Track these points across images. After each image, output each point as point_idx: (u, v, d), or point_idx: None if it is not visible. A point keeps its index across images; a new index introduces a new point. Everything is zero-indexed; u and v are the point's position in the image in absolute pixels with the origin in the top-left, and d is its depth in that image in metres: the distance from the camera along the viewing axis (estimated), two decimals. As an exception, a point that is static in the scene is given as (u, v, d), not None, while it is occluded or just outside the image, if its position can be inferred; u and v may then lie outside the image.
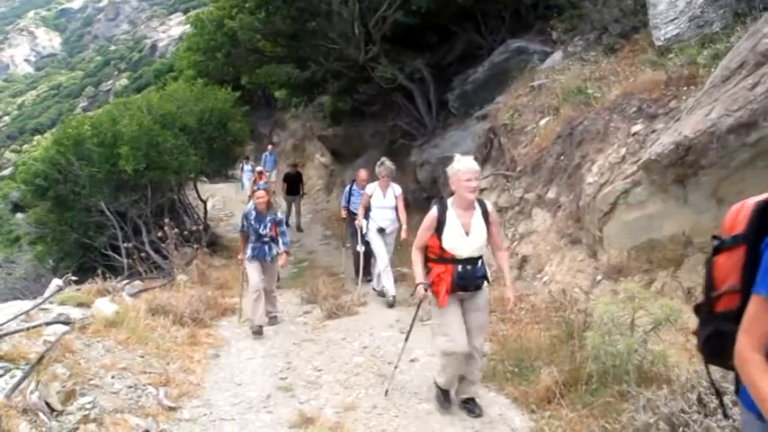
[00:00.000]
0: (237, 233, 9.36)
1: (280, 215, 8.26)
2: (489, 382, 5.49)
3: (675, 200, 5.55)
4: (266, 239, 7.97)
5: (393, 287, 8.75)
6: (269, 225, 7.96)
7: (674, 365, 4.43)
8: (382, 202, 8.96)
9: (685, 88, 6.41)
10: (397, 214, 8.96)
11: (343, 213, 10.72)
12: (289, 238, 8.56)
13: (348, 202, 10.54)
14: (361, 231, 9.46)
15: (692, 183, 5.32)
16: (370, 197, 9.03)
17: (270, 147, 21.29)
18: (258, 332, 7.66)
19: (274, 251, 8.08)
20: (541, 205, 7.95)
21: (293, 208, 17.10)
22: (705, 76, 6.06)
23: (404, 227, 8.76)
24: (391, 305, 8.53)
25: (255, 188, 8.35)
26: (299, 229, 17.00)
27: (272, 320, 8.25)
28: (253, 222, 7.90)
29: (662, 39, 7.51)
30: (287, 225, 16.43)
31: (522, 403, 5.01)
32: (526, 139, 8.84)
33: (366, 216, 9.16)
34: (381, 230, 9.00)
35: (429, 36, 13.70)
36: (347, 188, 10.72)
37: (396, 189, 9.04)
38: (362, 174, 10.45)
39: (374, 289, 9.39)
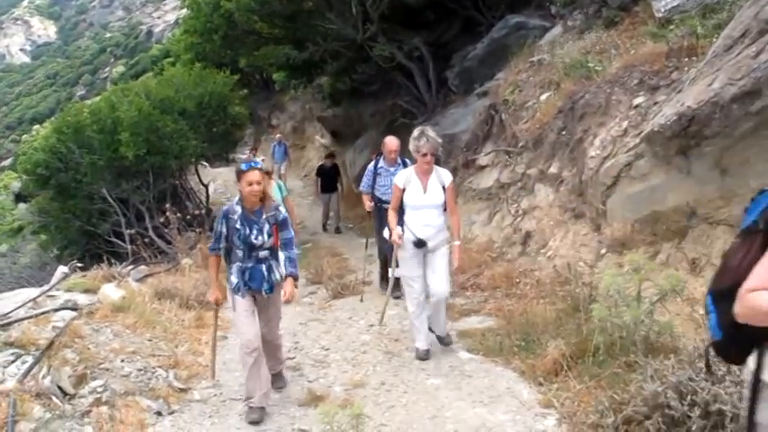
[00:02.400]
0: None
1: (283, 212, 5.03)
2: (496, 356, 5.53)
3: (678, 171, 5.55)
4: (263, 255, 4.92)
5: (443, 330, 5.96)
6: (267, 229, 4.86)
7: (681, 335, 4.46)
8: (422, 198, 5.60)
9: (687, 59, 6.37)
10: (446, 218, 5.76)
11: (368, 203, 8.06)
12: (297, 250, 5.24)
13: (373, 186, 7.90)
14: (390, 248, 6.29)
15: (695, 153, 5.31)
16: (403, 191, 5.65)
17: (278, 136, 19.38)
18: (258, 419, 4.84)
19: (276, 275, 4.98)
20: (544, 180, 7.94)
21: (330, 208, 14.87)
22: (706, 47, 6.02)
23: (456, 242, 5.69)
24: (423, 358, 5.76)
25: (243, 166, 4.89)
26: (337, 231, 14.61)
27: (279, 382, 5.46)
28: (239, 227, 4.79)
29: (662, 10, 7.46)
30: (323, 229, 15.07)
31: (530, 376, 5.05)
32: (527, 114, 8.81)
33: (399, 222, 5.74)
34: (421, 244, 5.57)
35: (427, 13, 13.59)
36: (370, 166, 7.97)
37: (444, 176, 5.65)
38: (392, 143, 7.67)
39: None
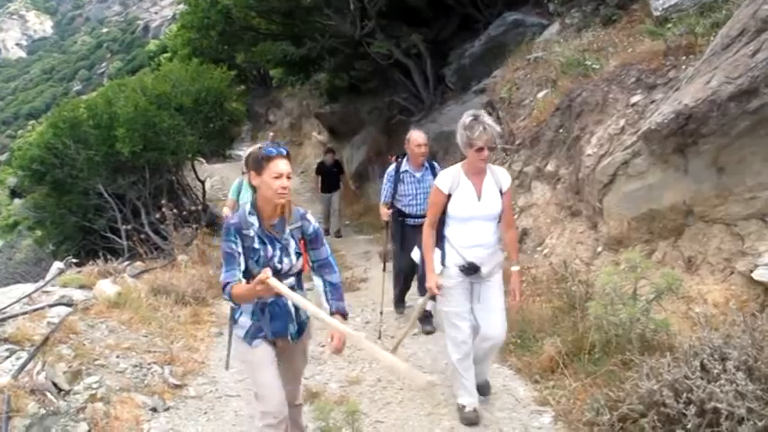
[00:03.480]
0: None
1: (312, 221, 3.58)
2: (492, 354, 5.53)
3: (675, 169, 5.54)
4: (288, 285, 3.40)
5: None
6: (294, 247, 3.49)
7: (677, 333, 4.46)
8: (475, 207, 4.27)
9: (684, 58, 6.37)
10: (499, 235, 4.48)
11: (385, 213, 6.64)
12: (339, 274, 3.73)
13: (393, 194, 6.53)
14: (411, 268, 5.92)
15: (692, 152, 5.31)
16: (448, 197, 4.28)
17: (271, 135, 18.12)
18: None
19: (305, 316, 3.65)
20: (541, 178, 7.94)
21: (330, 209, 13.65)
22: (704, 45, 6.02)
23: (515, 267, 4.52)
24: (472, 422, 4.48)
25: (269, 150, 3.33)
26: (337, 234, 13.40)
27: None
28: (257, 246, 3.39)
29: (660, 8, 7.46)
30: (325, 233, 15.02)
31: (526, 374, 5.06)
32: (524, 112, 8.81)
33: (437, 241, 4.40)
34: (472, 270, 4.30)
35: (425, 11, 13.58)
36: (390, 171, 6.58)
37: (502, 177, 4.37)
38: (419, 137, 6.38)
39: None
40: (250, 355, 3.51)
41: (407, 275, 6.78)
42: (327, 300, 3.50)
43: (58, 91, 77.54)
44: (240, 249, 3.30)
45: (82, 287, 7.31)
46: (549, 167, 7.75)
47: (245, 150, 7.96)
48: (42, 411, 4.27)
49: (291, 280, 3.47)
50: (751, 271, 4.64)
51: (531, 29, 10.92)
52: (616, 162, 6.23)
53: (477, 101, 10.63)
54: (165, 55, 31.93)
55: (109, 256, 9.63)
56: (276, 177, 3.25)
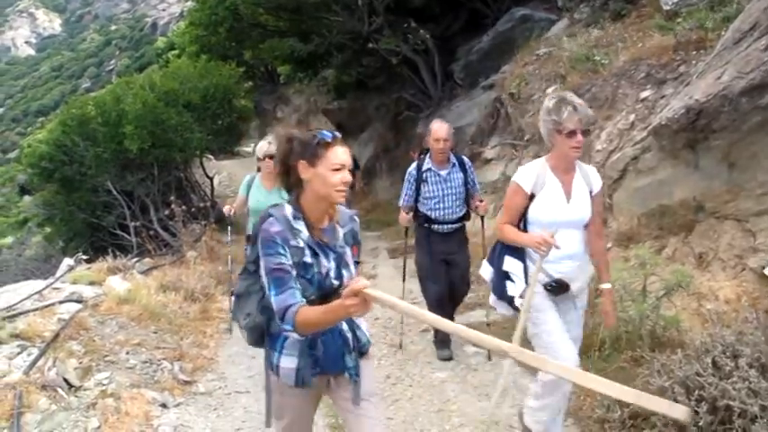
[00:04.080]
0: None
1: (359, 222, 2.85)
2: (502, 350, 5.51)
3: (686, 165, 5.51)
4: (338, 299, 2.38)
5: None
6: (350, 256, 2.73)
7: (688, 330, 4.44)
8: (565, 210, 3.49)
9: (694, 52, 6.34)
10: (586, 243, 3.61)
11: (404, 219, 5.64)
12: None
13: (416, 197, 5.55)
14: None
15: (702, 147, 5.28)
16: (530, 198, 3.50)
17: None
18: None
19: (364, 337, 2.81)
20: (550, 174, 7.91)
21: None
22: (714, 40, 5.99)
23: (606, 285, 3.65)
24: None
25: (326, 135, 2.55)
26: None
27: None
28: (309, 260, 2.55)
29: (670, 3, 7.42)
30: None
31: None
32: (533, 107, 8.78)
33: (509, 251, 3.58)
34: (561, 288, 3.51)
35: (433, 6, 13.56)
36: (411, 170, 5.59)
37: (592, 176, 3.58)
38: (441, 129, 5.35)
39: None
40: (284, 402, 2.75)
41: (442, 298, 5.53)
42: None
43: (66, 88, 77.86)
44: (278, 263, 2.46)
45: (92, 284, 7.33)
46: (559, 163, 7.72)
47: (253, 145, 7.43)
48: (53, 407, 4.29)
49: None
50: (763, 267, 4.61)
51: (540, 24, 10.89)
52: (626, 157, 6.21)
53: (486, 96, 10.62)
54: (174, 52, 32.02)
55: (118, 253, 9.66)
56: (336, 170, 2.50)
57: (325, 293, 2.53)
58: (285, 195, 6.23)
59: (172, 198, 11.91)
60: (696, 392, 3.36)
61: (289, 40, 14.11)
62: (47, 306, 6.04)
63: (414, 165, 5.61)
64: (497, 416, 4.46)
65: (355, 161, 12.55)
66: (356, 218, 2.83)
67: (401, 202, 5.68)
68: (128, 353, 5.54)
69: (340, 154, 2.52)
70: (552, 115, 3.38)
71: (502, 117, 9.59)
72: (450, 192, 5.43)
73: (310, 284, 2.52)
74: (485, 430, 4.36)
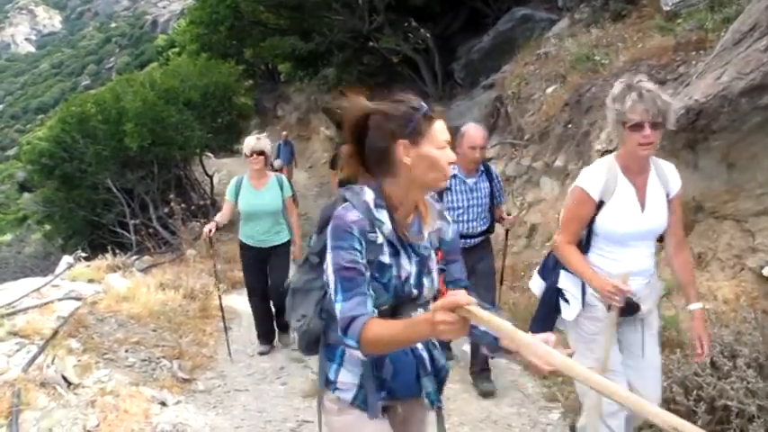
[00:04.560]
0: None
1: (450, 220, 2.28)
2: (500, 349, 5.51)
3: (685, 165, 5.51)
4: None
5: None
6: (434, 258, 2.18)
7: (687, 330, 4.44)
8: (639, 220, 2.96)
9: (694, 53, 6.34)
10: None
11: None
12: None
13: None
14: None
15: (702, 147, 5.28)
16: (598, 207, 2.94)
17: (284, 134, 16.87)
18: None
19: (443, 358, 2.25)
20: (549, 173, 7.92)
21: None
22: (714, 41, 5.99)
23: (695, 305, 3.09)
24: None
25: (424, 107, 2.02)
26: None
27: None
28: (388, 261, 2.04)
29: (670, 3, 7.42)
30: None
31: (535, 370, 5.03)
32: (533, 107, 8.78)
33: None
34: (629, 309, 2.94)
35: (433, 5, 13.56)
36: None
37: (669, 175, 3.13)
38: (477, 134, 4.95)
39: None
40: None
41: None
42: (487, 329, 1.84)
43: (66, 86, 77.86)
44: (365, 262, 1.97)
45: (91, 281, 7.34)
46: (558, 163, 7.73)
47: (255, 134, 6.42)
48: (52, 405, 4.29)
49: (420, 312, 2.08)
50: (762, 267, 4.61)
51: (540, 24, 10.88)
52: (626, 158, 6.21)
53: (486, 96, 10.61)
54: (174, 50, 32.03)
55: (117, 251, 9.68)
56: (442, 147, 2.00)
57: (399, 304, 2.05)
58: (277, 194, 5.82)
59: (171, 196, 11.93)
60: (694, 392, 3.37)
61: (289, 39, 14.12)
62: (46, 303, 6.05)
63: None
64: (496, 415, 4.47)
65: None
66: (447, 215, 2.27)
67: None
68: (127, 351, 5.55)
69: (443, 128, 2.04)
70: (616, 104, 2.86)
71: (502, 116, 9.59)
72: (476, 202, 4.97)
73: (385, 291, 2.02)
74: (483, 429, 4.37)
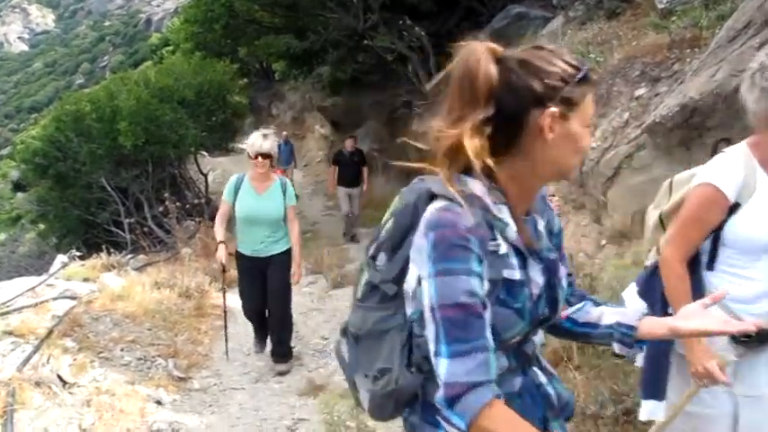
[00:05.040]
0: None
1: (553, 206, 1.78)
2: (496, 347, 5.52)
3: (680, 163, 5.51)
4: (538, 341, 2.29)
5: None
6: (557, 263, 1.56)
7: (681, 326, 4.45)
8: None
9: (689, 51, 6.35)
10: None
11: None
12: None
13: None
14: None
15: (697, 145, 5.29)
16: (731, 210, 2.25)
17: (284, 134, 16.23)
18: None
19: (564, 389, 1.68)
20: (544, 172, 7.93)
21: (351, 207, 11.83)
22: (709, 39, 6.00)
23: None
24: None
25: (583, 73, 1.42)
26: (353, 238, 11.73)
27: None
28: (516, 274, 1.41)
29: (664, 1, 7.43)
30: (344, 233, 11.81)
31: None
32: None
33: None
34: (761, 339, 2.15)
35: (428, 4, 13.55)
36: None
37: None
38: None
39: None
40: None
41: None
42: (616, 321, 1.64)
43: (60, 84, 77.63)
44: (485, 290, 1.36)
45: (86, 280, 7.33)
46: (553, 161, 7.74)
47: (262, 130, 5.39)
48: (47, 404, 4.28)
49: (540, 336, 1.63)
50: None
51: (535, 22, 10.89)
52: (620, 155, 6.22)
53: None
54: (168, 48, 31.97)
55: (112, 250, 9.66)
56: (587, 127, 1.47)
57: (531, 327, 1.52)
58: (280, 201, 5.20)
59: (166, 195, 11.93)
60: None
61: (284, 37, 14.11)
62: (41, 303, 6.04)
63: None
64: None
65: (361, 153, 11.74)
66: (551, 200, 1.73)
67: None
68: (122, 350, 5.54)
69: (591, 102, 1.47)
70: (761, 80, 2.18)
71: (497, 114, 9.61)
72: None
73: (520, 318, 1.44)
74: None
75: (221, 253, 5.31)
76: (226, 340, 5.97)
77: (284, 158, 15.06)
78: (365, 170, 11.80)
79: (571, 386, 4.46)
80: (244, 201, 5.22)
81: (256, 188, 5.23)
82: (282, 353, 5.58)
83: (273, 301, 5.40)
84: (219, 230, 5.38)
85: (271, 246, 5.29)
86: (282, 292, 5.40)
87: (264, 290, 5.38)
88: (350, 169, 11.56)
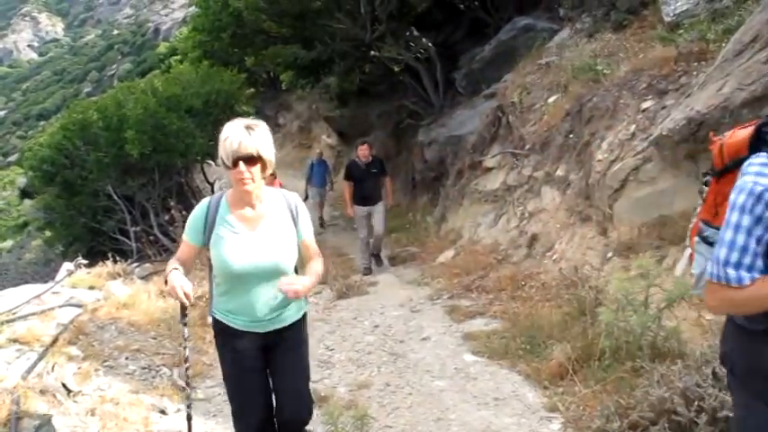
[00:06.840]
0: None
1: None
2: (501, 359, 5.50)
3: (687, 175, 5.52)
4: None
5: None
6: None
7: (688, 341, 4.43)
8: None
9: (696, 64, 6.35)
10: None
11: None
12: None
13: None
14: None
15: (703, 158, 5.28)
16: None
17: (318, 152, 15.61)
18: None
19: None
20: (550, 183, 7.92)
21: (371, 231, 9.75)
22: (716, 52, 6.00)
23: None
24: None
25: None
26: (378, 261, 10.02)
27: None
28: None
29: (671, 14, 7.44)
30: (365, 268, 9.27)
31: (535, 380, 5.02)
32: (535, 116, 8.79)
33: None
34: None
35: (435, 15, 13.60)
36: None
37: None
38: None
39: None
40: None
41: None
42: None
43: (68, 92, 78.06)
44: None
45: (91, 288, 7.34)
46: (559, 172, 7.73)
47: (250, 122, 2.86)
48: (52, 412, 4.27)
49: None
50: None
51: (542, 33, 10.91)
52: (627, 167, 6.22)
53: (487, 105, 10.64)
54: (176, 57, 32.13)
55: (118, 258, 9.67)
56: None
57: None
58: (287, 236, 3.08)
59: (172, 203, 11.95)
60: (696, 403, 3.36)
61: (291, 47, 14.15)
62: (46, 310, 6.05)
63: None
64: (496, 425, 4.45)
65: (381, 163, 9.93)
66: None
67: None
68: (127, 358, 5.54)
69: None
70: None
71: (503, 126, 9.60)
72: None
73: None
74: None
75: (179, 280, 3.00)
76: None
77: (318, 181, 14.04)
78: (387, 181, 9.93)
79: (576, 399, 4.45)
80: (224, 243, 3.06)
81: (244, 219, 3.09)
82: None
83: (289, 402, 3.27)
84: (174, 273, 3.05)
85: (280, 313, 3.16)
86: (301, 374, 3.30)
87: (268, 385, 3.26)
88: (368, 184, 9.47)
